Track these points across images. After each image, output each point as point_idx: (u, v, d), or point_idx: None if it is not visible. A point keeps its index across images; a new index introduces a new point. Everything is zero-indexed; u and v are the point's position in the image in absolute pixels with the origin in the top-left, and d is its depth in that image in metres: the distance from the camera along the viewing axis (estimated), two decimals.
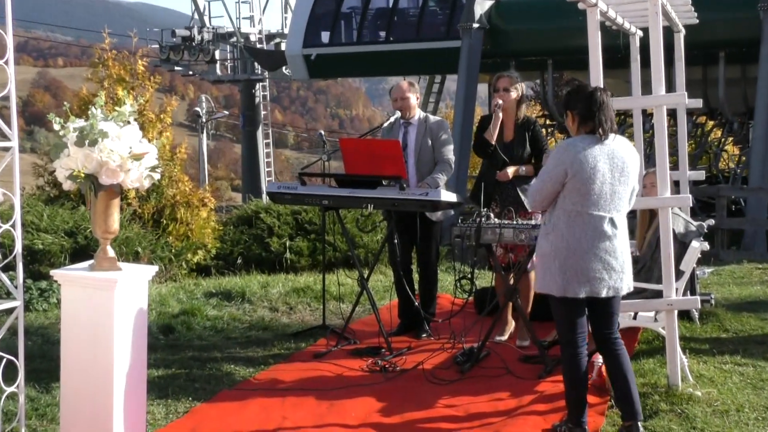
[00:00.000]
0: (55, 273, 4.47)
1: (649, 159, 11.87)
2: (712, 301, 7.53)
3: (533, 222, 5.88)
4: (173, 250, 10.51)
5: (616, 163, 4.52)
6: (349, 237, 7.75)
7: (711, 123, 23.69)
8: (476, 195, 6.49)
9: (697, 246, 6.02)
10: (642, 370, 5.74)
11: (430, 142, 6.78)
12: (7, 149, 4.37)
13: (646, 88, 5.74)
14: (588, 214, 4.51)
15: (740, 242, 16.30)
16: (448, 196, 6.25)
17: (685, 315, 6.96)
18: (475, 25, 20.81)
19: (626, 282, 4.61)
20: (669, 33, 6.93)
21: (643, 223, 6.64)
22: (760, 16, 17.45)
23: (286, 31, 30.47)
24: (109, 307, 4.26)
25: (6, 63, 4.28)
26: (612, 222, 4.54)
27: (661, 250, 5.43)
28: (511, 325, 6.79)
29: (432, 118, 6.99)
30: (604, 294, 4.54)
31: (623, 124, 19.16)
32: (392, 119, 6.89)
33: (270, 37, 33.08)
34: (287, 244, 11.15)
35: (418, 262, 7.02)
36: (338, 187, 6.54)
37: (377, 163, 6.35)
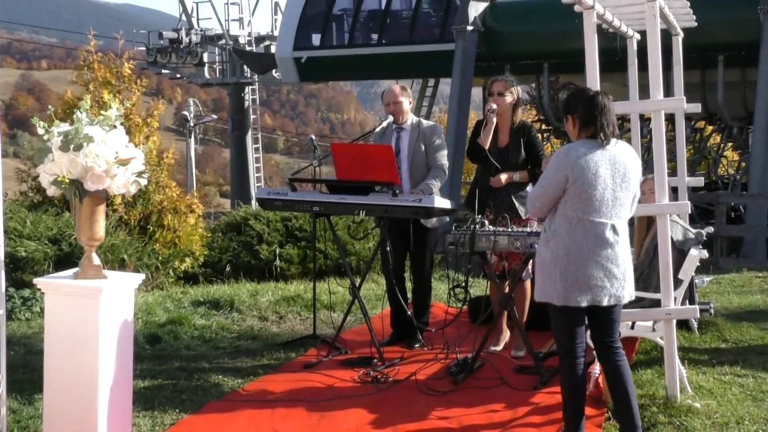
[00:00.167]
0: (38, 281, 4.43)
1: (647, 165, 11.82)
2: (712, 311, 7.46)
3: (528, 229, 5.81)
4: (160, 258, 10.39)
5: (617, 169, 4.45)
6: (340, 244, 7.68)
7: (710, 128, 23.62)
8: (470, 201, 6.40)
9: (696, 254, 5.96)
10: (640, 381, 5.67)
11: (423, 147, 6.69)
12: None
13: (644, 92, 5.67)
14: (589, 221, 4.43)
15: (740, 250, 16.14)
16: (442, 202, 6.18)
17: (683, 325, 6.90)
18: (470, 28, 20.78)
19: (628, 290, 4.54)
20: (667, 36, 6.86)
21: (641, 230, 6.59)
22: (760, 19, 17.34)
23: (275, 33, 30.39)
24: (93, 317, 4.21)
25: None
26: (614, 229, 4.46)
27: (660, 258, 5.39)
28: (506, 334, 6.71)
29: (425, 122, 6.90)
30: (605, 302, 4.47)
31: (620, 129, 19.08)
32: (384, 124, 6.79)
33: (259, 39, 32.96)
34: (277, 251, 11.05)
35: (412, 270, 6.93)
36: (329, 193, 6.46)
37: (369, 168, 6.27)
